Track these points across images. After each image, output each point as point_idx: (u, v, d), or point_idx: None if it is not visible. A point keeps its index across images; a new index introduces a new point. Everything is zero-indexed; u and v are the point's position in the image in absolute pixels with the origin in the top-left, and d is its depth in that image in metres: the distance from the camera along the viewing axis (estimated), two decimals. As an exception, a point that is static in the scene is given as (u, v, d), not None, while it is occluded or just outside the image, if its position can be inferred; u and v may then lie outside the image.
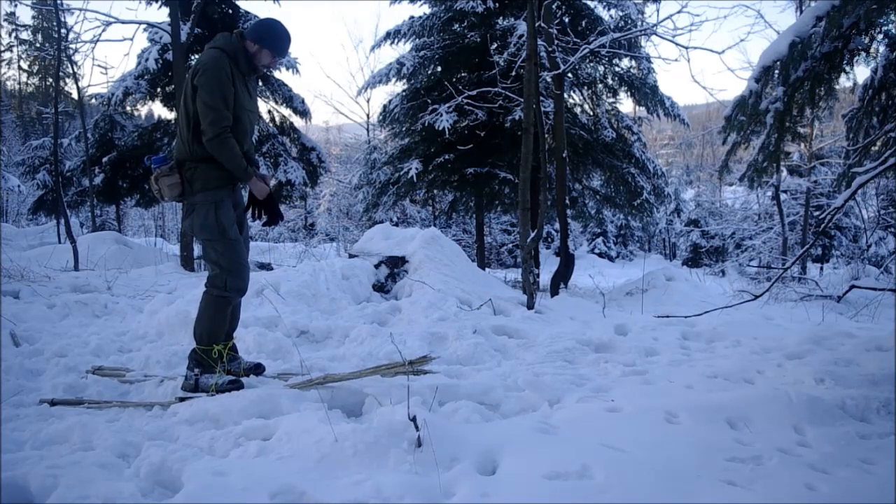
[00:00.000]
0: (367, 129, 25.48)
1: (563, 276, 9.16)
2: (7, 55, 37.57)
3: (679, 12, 7.01)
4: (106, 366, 3.68)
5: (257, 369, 3.40)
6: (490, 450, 2.26)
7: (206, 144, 3.05)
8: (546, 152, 7.72)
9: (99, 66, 60.40)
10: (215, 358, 3.16)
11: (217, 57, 3.06)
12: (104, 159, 14.47)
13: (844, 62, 3.74)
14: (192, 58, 13.15)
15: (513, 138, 11.10)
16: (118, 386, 3.37)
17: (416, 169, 11.92)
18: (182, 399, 3.04)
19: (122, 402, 3.10)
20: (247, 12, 13.30)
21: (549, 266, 12.45)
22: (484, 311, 5.42)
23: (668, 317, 5.05)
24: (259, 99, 15.51)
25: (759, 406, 2.69)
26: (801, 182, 19.34)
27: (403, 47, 13.07)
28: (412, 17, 12.54)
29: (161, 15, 16.51)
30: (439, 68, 12.51)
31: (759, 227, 23.93)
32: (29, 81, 40.42)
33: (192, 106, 3.06)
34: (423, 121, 11.87)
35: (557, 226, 10.13)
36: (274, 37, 3.22)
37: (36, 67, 39.10)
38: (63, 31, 12.14)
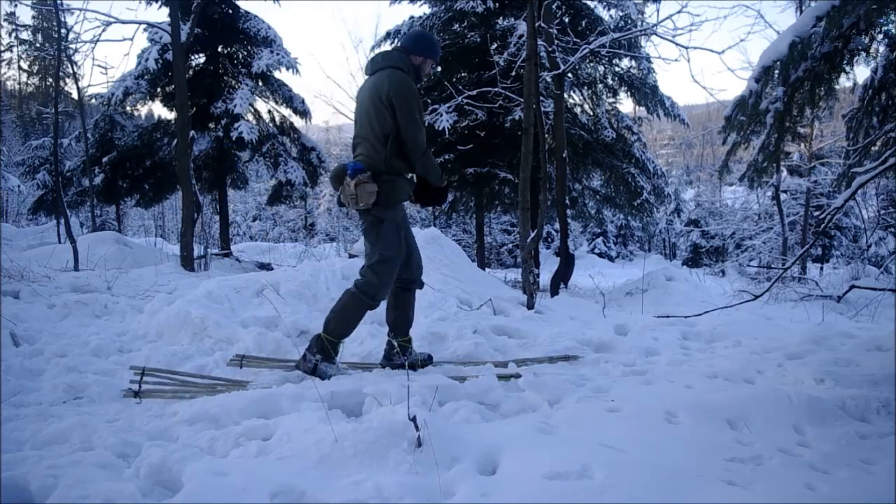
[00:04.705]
0: (367, 129, 25.41)
1: (563, 276, 9.17)
2: (7, 55, 37.60)
3: (679, 12, 7.00)
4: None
5: (430, 360, 3.70)
6: (490, 450, 2.26)
7: (416, 161, 3.35)
8: (546, 152, 7.72)
9: (99, 66, 60.26)
10: (337, 350, 3.41)
11: (408, 80, 3.33)
12: (104, 159, 14.48)
13: (844, 62, 3.74)
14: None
15: (513, 138, 11.11)
16: (119, 385, 3.37)
17: (416, 169, 11.90)
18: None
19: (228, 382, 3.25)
20: (247, 12, 13.30)
21: (549, 266, 12.45)
22: (484, 310, 5.41)
23: (668, 317, 5.05)
24: (259, 99, 15.30)
25: (759, 406, 2.69)
26: (801, 182, 19.33)
27: (403, 47, 13.06)
28: (412, 17, 12.56)
29: (161, 15, 16.52)
30: (439, 68, 12.50)
31: (759, 227, 23.93)
32: (29, 81, 40.43)
33: (389, 124, 3.27)
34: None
35: (557, 226, 10.13)
36: (434, 46, 3.54)
37: (36, 67, 39.10)
38: (63, 31, 12.13)
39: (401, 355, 3.54)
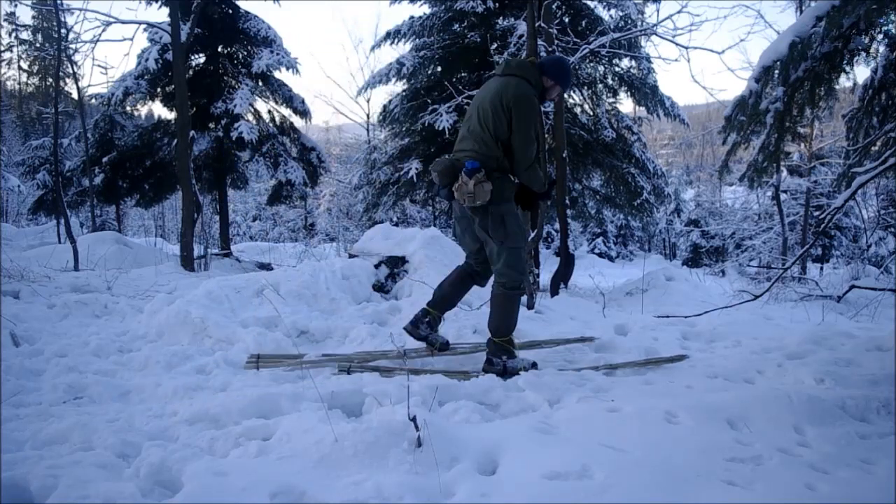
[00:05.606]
0: (367, 129, 25.45)
1: (563, 276, 9.16)
2: (7, 55, 37.60)
3: (679, 12, 7.01)
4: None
5: (447, 345, 3.87)
6: (490, 450, 2.26)
7: (521, 171, 3.45)
8: (546, 152, 7.71)
9: (99, 66, 60.26)
10: (514, 344, 3.59)
11: (532, 95, 3.41)
12: (104, 159, 14.46)
13: (844, 62, 3.74)
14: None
15: (513, 138, 11.08)
16: (119, 385, 3.37)
17: (417, 169, 11.92)
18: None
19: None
20: (247, 12, 13.29)
21: (549, 266, 12.44)
22: (484, 310, 5.40)
23: (668, 317, 5.05)
24: (259, 99, 15.25)
25: (759, 406, 2.69)
26: (801, 182, 19.32)
27: (403, 47, 13.08)
28: (412, 17, 12.55)
29: (161, 15, 16.53)
30: (439, 68, 12.51)
31: (759, 227, 23.89)
32: (29, 81, 40.43)
33: (504, 129, 3.36)
34: (423, 121, 11.87)
35: (557, 226, 10.12)
36: (567, 77, 3.62)
37: (36, 67, 39.10)
38: (63, 31, 12.13)
39: (428, 328, 3.69)
